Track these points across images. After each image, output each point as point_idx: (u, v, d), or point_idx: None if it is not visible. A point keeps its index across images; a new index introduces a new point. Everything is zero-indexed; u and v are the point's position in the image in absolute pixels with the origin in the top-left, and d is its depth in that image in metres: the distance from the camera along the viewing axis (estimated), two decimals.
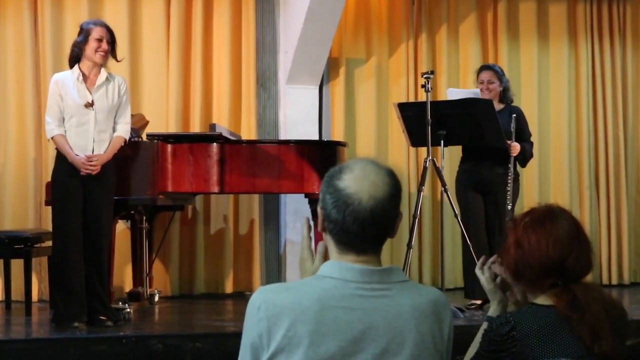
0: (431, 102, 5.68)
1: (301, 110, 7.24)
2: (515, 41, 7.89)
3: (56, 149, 5.15)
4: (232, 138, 6.14)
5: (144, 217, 6.21)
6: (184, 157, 5.79)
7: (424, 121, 5.65)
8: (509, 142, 5.86)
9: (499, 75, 6.16)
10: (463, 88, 7.38)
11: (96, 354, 4.59)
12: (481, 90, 6.08)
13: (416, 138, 5.94)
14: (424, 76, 5.68)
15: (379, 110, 7.55)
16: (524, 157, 6.08)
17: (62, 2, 6.87)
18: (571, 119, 7.90)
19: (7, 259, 5.94)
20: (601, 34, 8.04)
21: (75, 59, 5.17)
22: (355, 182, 1.95)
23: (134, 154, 5.67)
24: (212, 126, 6.16)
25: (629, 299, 6.84)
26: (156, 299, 6.38)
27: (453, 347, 2.06)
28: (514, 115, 5.93)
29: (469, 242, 5.66)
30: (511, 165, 5.89)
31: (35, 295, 6.31)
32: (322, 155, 5.99)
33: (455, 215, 5.75)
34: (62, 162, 5.09)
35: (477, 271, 2.63)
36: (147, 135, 5.92)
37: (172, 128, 6.93)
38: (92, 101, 5.11)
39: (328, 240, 2.01)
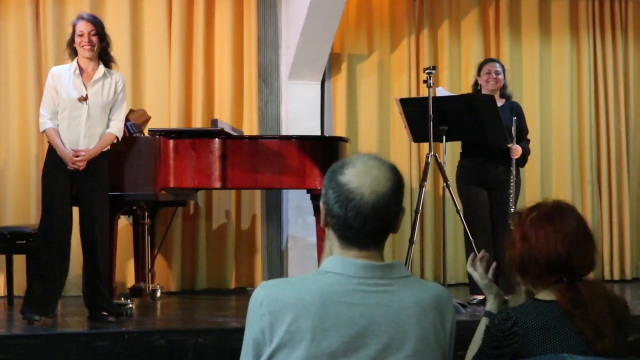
0: (433, 98, 5.66)
1: (303, 106, 7.23)
2: (517, 36, 7.88)
3: (48, 142, 5.15)
4: (234, 133, 6.13)
5: (146, 213, 6.22)
6: (186, 153, 5.78)
7: (426, 117, 5.63)
8: (509, 145, 5.88)
9: (503, 68, 6.21)
10: (464, 83, 7.39)
11: (98, 350, 4.59)
12: (487, 80, 6.08)
13: (418, 133, 5.93)
14: (426, 72, 5.66)
15: (380, 106, 7.55)
16: (524, 160, 6.12)
17: None
18: (573, 114, 7.89)
19: (9, 254, 5.95)
20: (603, 29, 8.03)
21: (74, 54, 5.20)
22: (358, 177, 1.95)
23: (136, 150, 5.65)
24: (214, 122, 6.16)
25: (631, 295, 6.83)
26: (158, 294, 6.38)
27: (455, 342, 2.06)
28: (514, 118, 5.95)
29: (470, 238, 5.65)
30: (512, 169, 5.92)
31: None
32: (324, 150, 5.98)
33: (458, 211, 5.75)
34: (53, 154, 5.10)
35: (469, 268, 2.65)
36: (149, 131, 5.91)
37: (174, 124, 6.92)
38: (87, 95, 5.10)
39: (331, 235, 2.01)
